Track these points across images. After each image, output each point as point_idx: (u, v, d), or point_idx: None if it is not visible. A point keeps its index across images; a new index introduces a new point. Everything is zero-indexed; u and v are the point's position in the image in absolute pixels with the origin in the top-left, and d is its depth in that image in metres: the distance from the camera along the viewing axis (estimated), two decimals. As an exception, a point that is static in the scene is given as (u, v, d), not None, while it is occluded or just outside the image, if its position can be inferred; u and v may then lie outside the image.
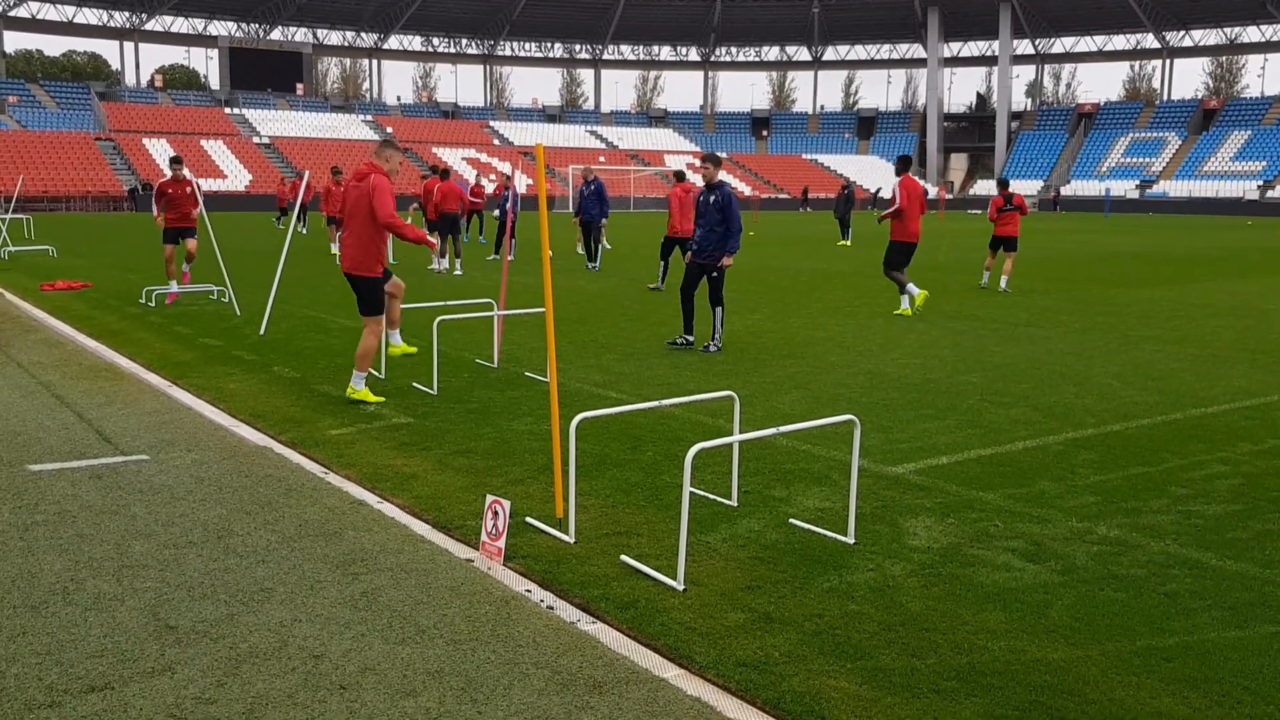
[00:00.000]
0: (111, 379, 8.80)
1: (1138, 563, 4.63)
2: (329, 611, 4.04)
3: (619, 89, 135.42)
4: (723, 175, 10.88)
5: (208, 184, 60.26)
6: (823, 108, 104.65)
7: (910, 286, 13.47)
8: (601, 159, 75.42)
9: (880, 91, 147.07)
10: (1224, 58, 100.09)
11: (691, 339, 10.68)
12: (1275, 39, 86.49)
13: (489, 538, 4.70)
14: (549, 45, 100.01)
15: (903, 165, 13.79)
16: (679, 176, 17.16)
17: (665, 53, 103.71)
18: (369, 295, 8.11)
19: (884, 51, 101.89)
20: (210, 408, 7.72)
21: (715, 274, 10.44)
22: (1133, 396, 8.28)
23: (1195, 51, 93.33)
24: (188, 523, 5.08)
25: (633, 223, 43.84)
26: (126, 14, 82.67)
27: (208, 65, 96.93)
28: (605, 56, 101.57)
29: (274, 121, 74.89)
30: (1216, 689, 3.48)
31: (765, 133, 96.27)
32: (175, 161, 14.39)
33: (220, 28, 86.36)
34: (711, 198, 10.47)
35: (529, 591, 4.28)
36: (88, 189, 57.01)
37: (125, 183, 59.44)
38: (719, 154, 11.00)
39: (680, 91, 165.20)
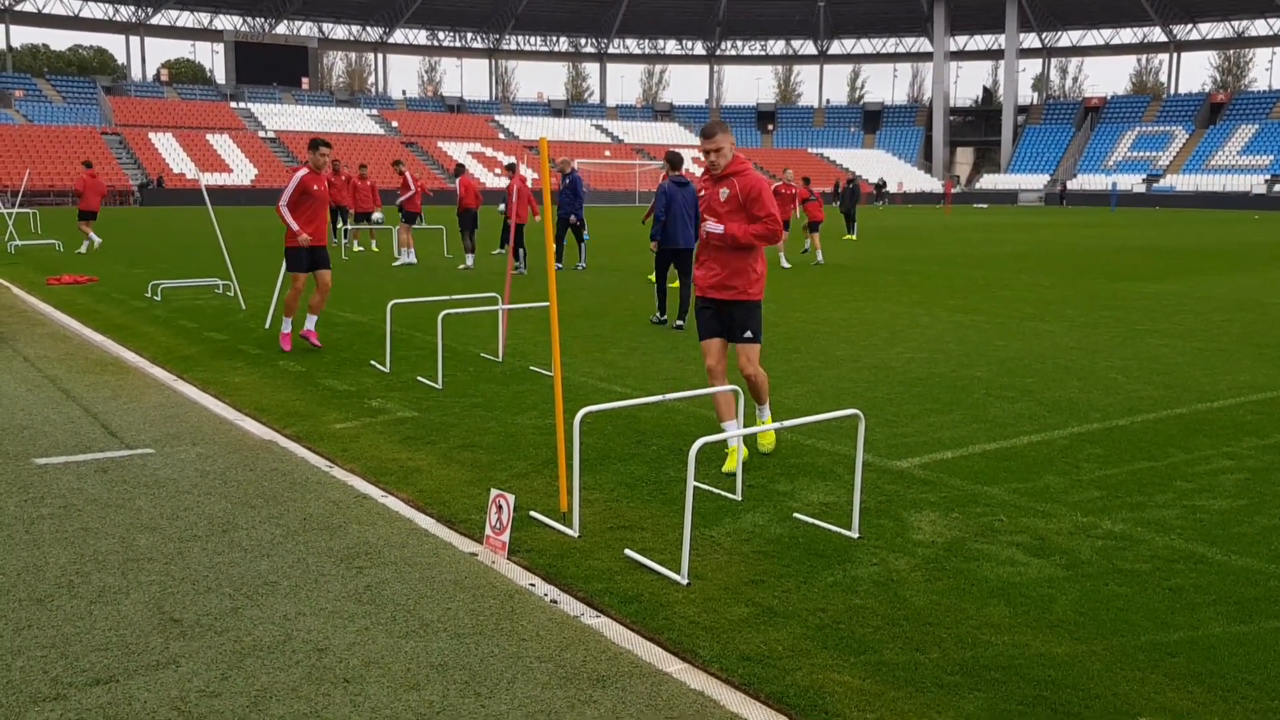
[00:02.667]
0: (117, 373, 8.82)
1: (1142, 557, 4.62)
2: (333, 605, 4.05)
3: (624, 83, 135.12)
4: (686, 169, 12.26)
5: (213, 178, 60.34)
6: (828, 101, 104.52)
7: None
8: (607, 153, 75.43)
9: (886, 85, 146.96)
10: (1231, 51, 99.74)
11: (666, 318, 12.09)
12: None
13: (493, 531, 4.71)
14: (554, 39, 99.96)
15: (673, 161, 15.56)
16: (511, 168, 18.11)
17: (670, 47, 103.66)
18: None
19: (890, 45, 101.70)
20: (215, 402, 7.74)
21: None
22: (1138, 391, 8.26)
23: (1202, 45, 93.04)
24: (192, 516, 5.10)
25: (635, 216, 43.80)
26: (132, 8, 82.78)
27: (213, 59, 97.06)
28: (610, 50, 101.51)
29: (279, 115, 74.96)
30: (1221, 684, 3.48)
31: (771, 127, 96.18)
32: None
33: (225, 22, 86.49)
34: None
35: (533, 585, 4.29)
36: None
37: (132, 177, 59.54)
38: (679, 151, 12.36)
39: (686, 85, 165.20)
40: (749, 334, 6.11)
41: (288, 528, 4.94)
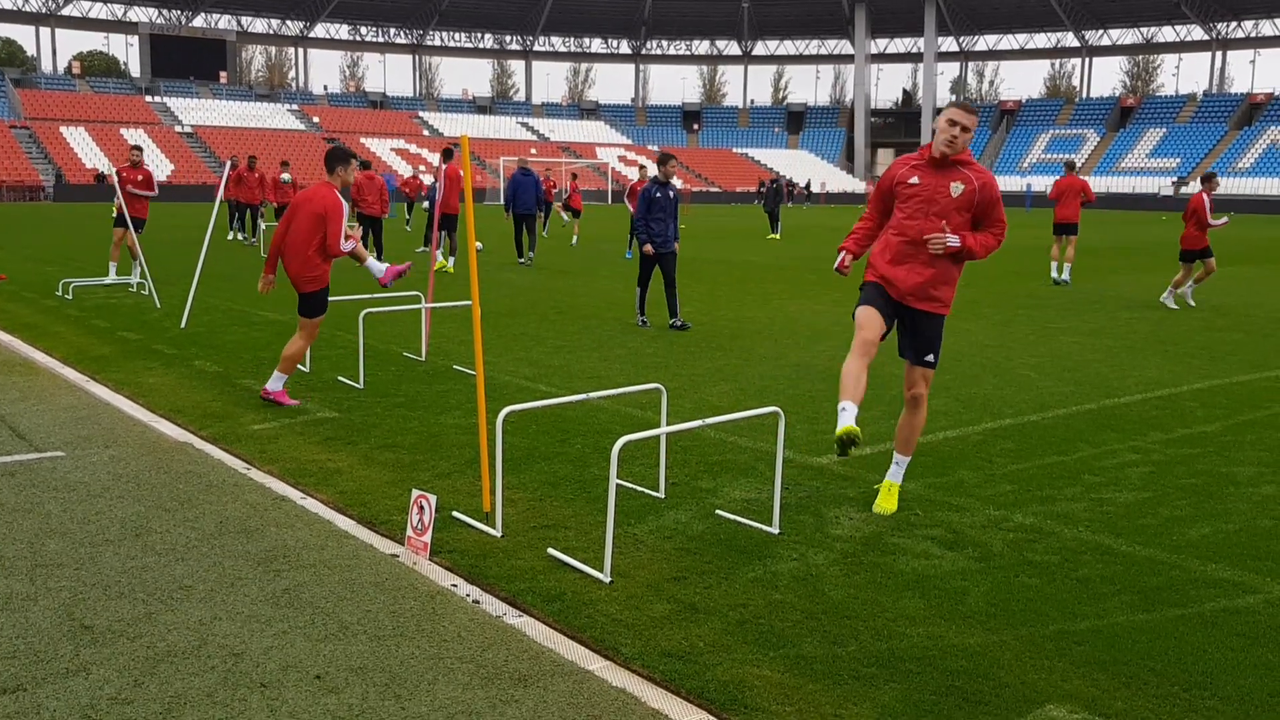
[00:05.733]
0: (26, 374, 8.56)
1: (1051, 549, 4.76)
2: (250, 609, 3.99)
3: (550, 81, 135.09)
4: (653, 170, 12.14)
5: (127, 174, 58.69)
6: (753, 102, 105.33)
7: (451, 259, 18.16)
8: (533, 151, 75.08)
9: (809, 86, 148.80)
10: (1140, 56, 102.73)
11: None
12: (1189, 39, 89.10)
13: (414, 532, 4.68)
14: (479, 36, 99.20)
15: (446, 156, 17.50)
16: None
17: (596, 45, 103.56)
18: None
19: (813, 47, 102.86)
20: (129, 403, 7.56)
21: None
22: (1050, 387, 8.49)
23: (1113, 50, 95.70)
24: (104, 520, 4.98)
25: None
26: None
27: (128, 52, 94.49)
28: (536, 48, 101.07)
29: (196, 110, 73.30)
30: (1124, 671, 3.60)
31: (696, 126, 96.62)
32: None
33: (140, 13, 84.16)
34: (671, 193, 11.66)
35: (455, 586, 4.27)
36: (2, 179, 55.28)
37: (42, 172, 57.75)
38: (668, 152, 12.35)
39: (612, 84, 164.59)
40: (931, 357, 5.39)
41: (203, 531, 4.86)
